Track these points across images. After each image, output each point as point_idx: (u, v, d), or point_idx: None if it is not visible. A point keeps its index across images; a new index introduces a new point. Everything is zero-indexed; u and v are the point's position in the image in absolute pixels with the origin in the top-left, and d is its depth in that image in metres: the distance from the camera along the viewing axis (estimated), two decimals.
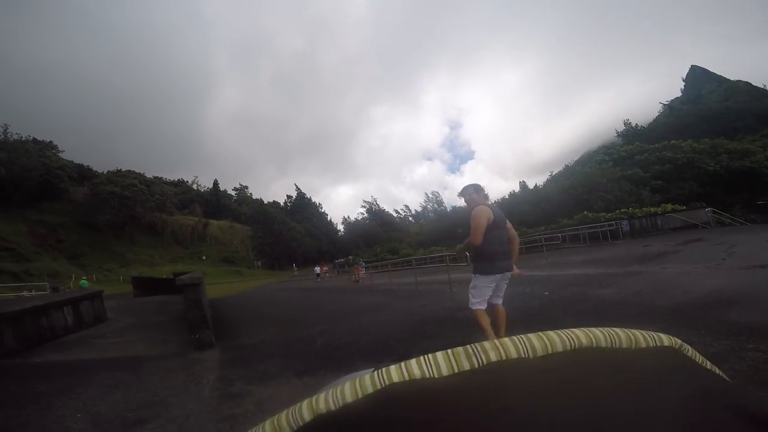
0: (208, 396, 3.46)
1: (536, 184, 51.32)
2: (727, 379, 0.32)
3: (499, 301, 3.46)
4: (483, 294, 3.31)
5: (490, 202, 3.47)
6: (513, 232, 3.49)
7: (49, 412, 3.30)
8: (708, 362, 0.32)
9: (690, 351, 0.31)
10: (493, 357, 0.24)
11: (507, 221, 3.40)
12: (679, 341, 0.30)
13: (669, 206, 21.87)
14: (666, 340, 0.29)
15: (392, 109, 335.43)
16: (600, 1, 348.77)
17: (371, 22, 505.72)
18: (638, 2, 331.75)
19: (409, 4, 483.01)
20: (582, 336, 0.26)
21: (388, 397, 0.23)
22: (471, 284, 3.38)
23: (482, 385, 0.23)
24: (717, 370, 0.32)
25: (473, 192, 3.43)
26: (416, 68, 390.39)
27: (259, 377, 3.85)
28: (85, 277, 32.84)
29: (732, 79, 74.86)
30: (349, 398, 0.24)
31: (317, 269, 30.40)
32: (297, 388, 3.39)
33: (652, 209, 21.87)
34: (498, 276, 3.28)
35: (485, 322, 3.32)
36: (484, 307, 3.33)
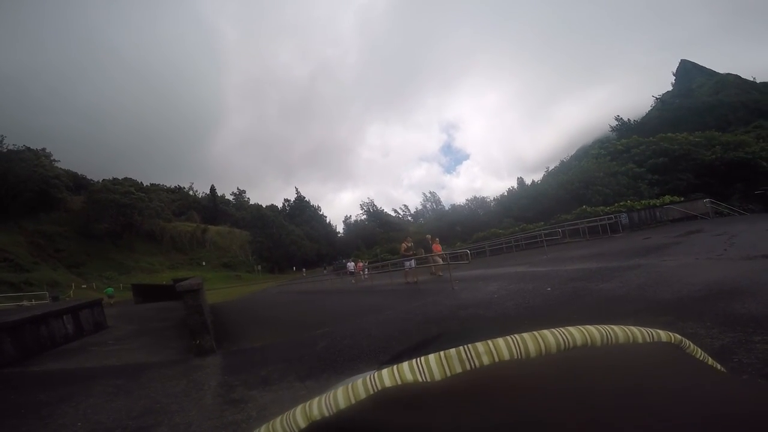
0: (210, 402, 3.42)
1: (533, 180, 51.35)
2: (729, 374, 0.30)
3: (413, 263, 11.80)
4: (411, 264, 11.61)
5: (410, 242, 12.65)
6: (421, 250, 12.61)
7: (49, 422, 3.25)
8: (710, 358, 0.30)
9: (691, 347, 0.29)
10: (486, 360, 0.23)
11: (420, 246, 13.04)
12: (679, 337, 0.29)
13: (668, 198, 21.85)
14: (664, 336, 0.28)
15: (390, 120, 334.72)
16: None
17: (371, 28, 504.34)
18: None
19: (401, 26, 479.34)
20: (577, 334, 0.25)
21: (381, 403, 0.23)
22: (407, 263, 11.68)
23: (476, 387, 0.22)
24: (718, 366, 0.30)
25: (404, 242, 12.74)
26: (412, 80, 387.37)
27: (261, 382, 3.80)
28: (110, 287, 33.03)
29: (721, 72, 75.28)
30: (342, 404, 0.23)
31: (351, 266, 22.30)
32: (299, 393, 3.35)
33: (651, 201, 21.84)
34: (412, 260, 11.73)
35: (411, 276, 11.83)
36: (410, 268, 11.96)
